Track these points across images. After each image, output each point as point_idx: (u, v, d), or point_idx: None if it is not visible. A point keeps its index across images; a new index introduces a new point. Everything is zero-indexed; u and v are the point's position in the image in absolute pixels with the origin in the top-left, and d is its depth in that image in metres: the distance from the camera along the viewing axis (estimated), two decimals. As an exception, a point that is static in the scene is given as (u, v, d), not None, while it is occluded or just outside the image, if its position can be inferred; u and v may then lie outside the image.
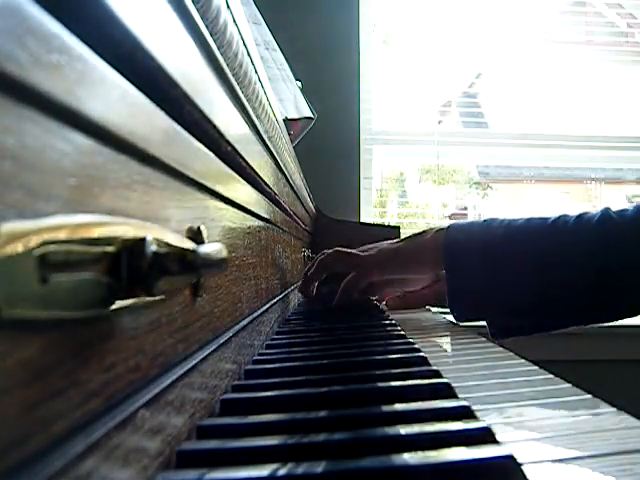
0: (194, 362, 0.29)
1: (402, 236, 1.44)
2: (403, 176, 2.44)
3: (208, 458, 0.25)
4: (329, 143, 1.61)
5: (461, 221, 0.81)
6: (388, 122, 2.06)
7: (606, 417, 0.32)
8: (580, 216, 0.72)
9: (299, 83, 1.25)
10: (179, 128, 0.27)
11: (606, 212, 0.71)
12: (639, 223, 0.69)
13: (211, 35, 0.32)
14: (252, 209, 0.48)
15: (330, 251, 0.83)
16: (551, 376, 0.41)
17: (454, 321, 0.77)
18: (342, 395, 0.35)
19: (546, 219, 0.73)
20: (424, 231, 0.79)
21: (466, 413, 0.29)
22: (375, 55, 1.84)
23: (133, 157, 0.22)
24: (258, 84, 0.55)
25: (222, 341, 0.36)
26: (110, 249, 0.19)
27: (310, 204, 1.27)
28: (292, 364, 0.45)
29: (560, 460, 0.26)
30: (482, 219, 0.78)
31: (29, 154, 0.15)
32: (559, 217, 0.73)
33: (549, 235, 0.71)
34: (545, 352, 1.27)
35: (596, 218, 0.71)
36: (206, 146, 0.32)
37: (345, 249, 0.83)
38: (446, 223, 0.83)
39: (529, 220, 0.74)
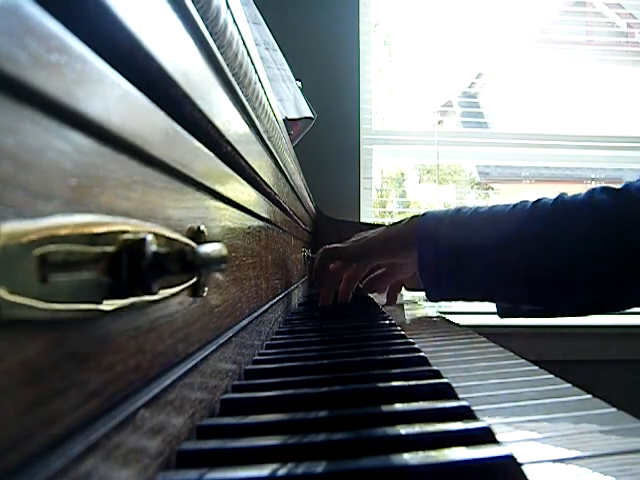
0: (194, 362, 0.29)
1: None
2: (403, 176, 2.44)
3: (208, 458, 0.25)
4: (329, 143, 1.61)
5: (435, 209, 0.87)
6: (388, 122, 2.06)
7: (606, 417, 0.32)
8: (537, 201, 0.78)
9: (299, 83, 1.25)
10: (179, 128, 0.27)
11: (560, 196, 0.77)
12: (589, 204, 0.74)
13: (211, 35, 0.32)
14: (252, 209, 0.48)
15: (320, 251, 0.89)
16: (551, 376, 0.41)
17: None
18: (342, 395, 0.35)
19: (508, 205, 0.79)
20: (404, 219, 0.86)
21: (466, 413, 0.29)
22: (375, 55, 1.84)
23: (133, 157, 0.22)
24: (258, 84, 0.55)
25: (222, 341, 0.36)
26: (110, 249, 0.19)
27: (310, 204, 1.27)
28: (292, 364, 0.45)
29: (560, 460, 0.26)
30: (455, 207, 0.85)
31: (29, 154, 0.15)
32: (519, 202, 0.79)
33: (507, 219, 0.78)
34: (545, 352, 1.27)
35: (550, 202, 0.76)
36: (206, 146, 0.32)
37: (331, 245, 0.89)
38: None
39: (493, 206, 0.81)
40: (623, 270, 0.73)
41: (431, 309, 0.97)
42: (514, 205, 0.79)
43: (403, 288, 1.02)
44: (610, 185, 0.76)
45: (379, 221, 1.85)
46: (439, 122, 2.12)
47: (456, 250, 0.78)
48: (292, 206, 0.83)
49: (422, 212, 0.84)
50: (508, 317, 0.85)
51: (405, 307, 0.99)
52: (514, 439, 0.28)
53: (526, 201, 0.79)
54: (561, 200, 0.77)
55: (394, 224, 0.87)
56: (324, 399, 0.34)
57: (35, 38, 0.15)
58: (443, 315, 0.87)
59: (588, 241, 0.73)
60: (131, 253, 0.19)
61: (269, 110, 0.61)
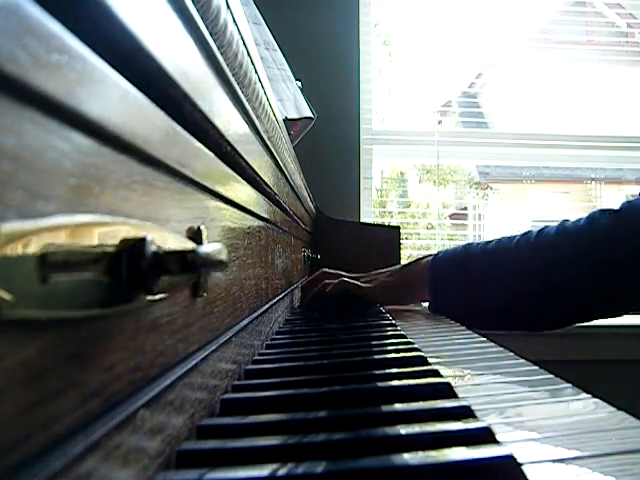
0: (194, 362, 0.29)
1: (402, 236, 1.45)
2: (403, 176, 2.44)
3: (208, 458, 0.25)
4: (329, 143, 1.61)
5: (445, 250, 0.91)
6: (388, 122, 2.06)
7: (606, 417, 0.32)
8: (541, 231, 0.83)
9: (299, 83, 1.25)
10: (179, 128, 0.27)
11: (562, 225, 0.82)
12: (589, 228, 0.79)
13: (211, 35, 0.32)
14: (252, 209, 0.48)
15: (335, 282, 0.91)
16: (551, 376, 0.41)
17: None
18: (342, 395, 0.35)
19: (513, 238, 0.85)
20: (416, 260, 0.92)
21: (466, 413, 0.29)
22: (375, 55, 1.84)
23: (133, 157, 0.22)
24: (258, 84, 0.55)
25: (222, 341, 0.36)
26: (110, 249, 0.19)
27: (310, 204, 1.26)
28: (292, 364, 0.45)
29: (560, 460, 0.26)
30: (462, 245, 0.90)
31: (29, 154, 0.15)
32: (524, 234, 0.84)
33: (514, 254, 0.83)
34: (545, 352, 1.27)
35: (553, 231, 0.82)
36: (206, 146, 0.32)
37: (348, 279, 0.92)
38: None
39: (499, 240, 0.86)
40: (624, 289, 0.78)
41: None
42: (519, 238, 0.83)
43: None
44: (609, 208, 0.80)
45: (379, 221, 1.85)
46: (439, 122, 2.12)
47: (469, 292, 0.83)
48: (292, 206, 0.83)
49: (431, 255, 0.89)
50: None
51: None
52: (514, 439, 0.28)
53: (530, 232, 0.84)
54: (563, 228, 0.81)
55: (404, 267, 0.93)
56: (324, 399, 0.34)
57: (35, 38, 0.15)
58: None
59: (589, 262, 0.77)
60: (131, 253, 0.19)
61: (269, 110, 0.61)
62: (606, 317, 0.86)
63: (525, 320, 0.86)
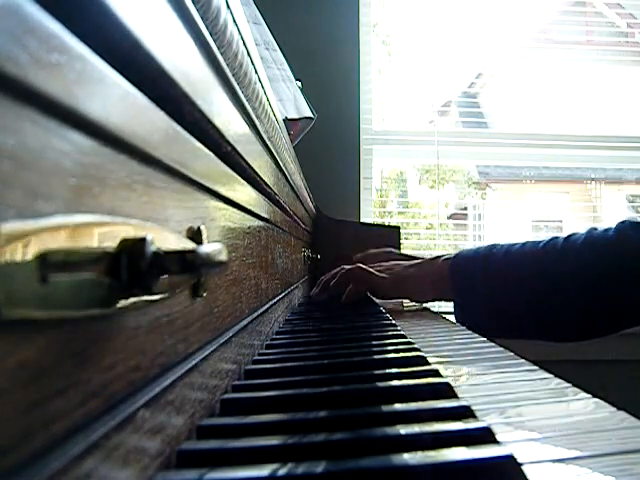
0: (194, 362, 0.29)
1: (402, 236, 1.45)
2: (403, 176, 2.44)
3: (208, 458, 0.25)
4: (329, 143, 1.61)
5: (467, 249, 0.90)
6: (388, 122, 2.06)
7: (606, 417, 0.32)
8: (567, 238, 0.82)
9: (299, 83, 1.25)
10: (179, 128, 0.27)
11: (589, 234, 0.81)
12: (617, 242, 0.79)
13: (211, 35, 0.32)
14: (252, 209, 0.48)
15: (353, 267, 0.92)
16: (551, 376, 0.41)
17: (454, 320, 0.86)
18: (342, 395, 0.35)
19: (539, 243, 0.84)
20: (435, 258, 0.90)
21: (466, 413, 0.29)
22: (375, 55, 1.84)
23: (133, 157, 0.22)
24: (258, 84, 0.55)
25: (222, 341, 0.36)
26: (110, 249, 0.19)
27: (310, 204, 1.26)
28: (292, 364, 0.45)
29: (560, 460, 0.26)
30: (485, 245, 0.88)
31: (29, 154, 0.15)
32: (550, 240, 0.83)
33: (540, 259, 0.82)
34: (545, 352, 1.27)
35: (580, 240, 0.81)
36: (206, 146, 0.32)
37: (366, 268, 0.91)
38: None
39: (524, 245, 0.85)
40: None
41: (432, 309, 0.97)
42: (545, 243, 0.83)
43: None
44: (638, 221, 0.79)
45: (379, 221, 1.85)
46: (438, 122, 2.12)
47: (492, 294, 0.82)
48: (292, 206, 0.83)
49: (453, 254, 0.88)
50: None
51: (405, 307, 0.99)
52: (514, 439, 0.28)
53: (557, 238, 0.83)
54: (591, 237, 0.80)
55: (424, 263, 0.91)
56: (324, 399, 0.34)
57: (35, 38, 0.15)
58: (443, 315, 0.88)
59: (617, 277, 0.77)
60: (131, 253, 0.19)
61: (269, 110, 0.61)
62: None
63: (549, 329, 0.85)
